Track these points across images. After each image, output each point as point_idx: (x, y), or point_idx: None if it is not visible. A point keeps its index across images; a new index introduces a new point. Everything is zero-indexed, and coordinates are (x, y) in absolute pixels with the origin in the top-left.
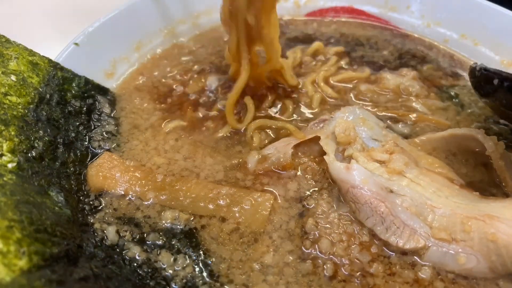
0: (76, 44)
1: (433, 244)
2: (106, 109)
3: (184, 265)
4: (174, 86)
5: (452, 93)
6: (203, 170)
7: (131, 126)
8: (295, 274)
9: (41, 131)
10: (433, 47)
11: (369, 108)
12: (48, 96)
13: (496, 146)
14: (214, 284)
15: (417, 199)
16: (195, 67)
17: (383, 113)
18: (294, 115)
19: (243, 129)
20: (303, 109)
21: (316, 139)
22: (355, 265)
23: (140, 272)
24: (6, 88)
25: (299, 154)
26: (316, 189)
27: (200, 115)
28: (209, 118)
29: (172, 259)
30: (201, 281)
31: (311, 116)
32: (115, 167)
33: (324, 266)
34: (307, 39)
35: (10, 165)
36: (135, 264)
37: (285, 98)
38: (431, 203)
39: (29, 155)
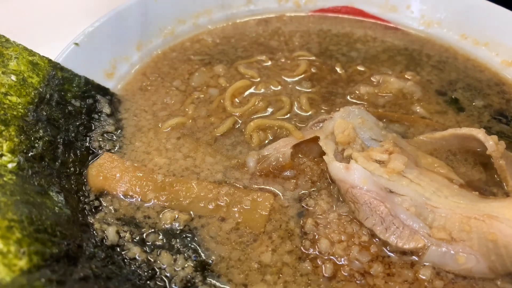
0: (76, 44)
1: (433, 244)
2: (106, 109)
3: (184, 266)
4: (177, 85)
5: (453, 97)
6: (203, 170)
7: (134, 128)
8: (293, 274)
9: (41, 131)
10: (434, 47)
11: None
12: (48, 96)
13: (497, 146)
14: (214, 284)
15: (417, 199)
16: (199, 64)
17: (381, 115)
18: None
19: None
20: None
21: (316, 139)
22: (354, 265)
23: (140, 272)
24: (6, 88)
25: (299, 154)
26: (316, 189)
27: (203, 112)
28: (211, 114)
29: (172, 259)
30: (200, 282)
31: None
32: (116, 167)
33: (323, 266)
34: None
35: (10, 165)
36: (135, 264)
37: None
38: (430, 203)
39: (29, 155)
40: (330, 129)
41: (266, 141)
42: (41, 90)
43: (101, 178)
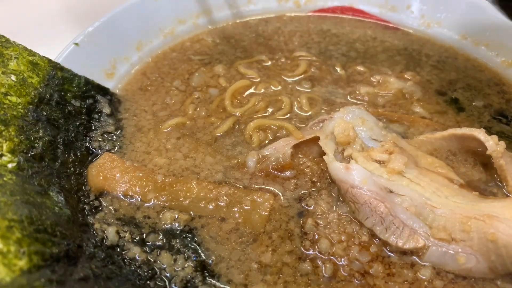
0: (76, 44)
1: (433, 244)
2: (106, 109)
3: (184, 266)
4: (177, 85)
5: (453, 97)
6: (203, 170)
7: (134, 128)
8: (293, 274)
9: (41, 131)
10: (434, 47)
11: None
12: (48, 96)
13: (497, 146)
14: (214, 284)
15: (417, 199)
16: (199, 64)
17: (381, 115)
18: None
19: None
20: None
21: (316, 139)
22: (354, 265)
23: (140, 272)
24: (6, 88)
25: (299, 154)
26: (316, 189)
27: (203, 112)
28: (211, 114)
29: (172, 259)
30: (200, 282)
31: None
32: (116, 167)
33: (323, 266)
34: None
35: (10, 165)
36: (135, 264)
37: None
38: (430, 203)
39: (29, 155)
40: (330, 129)
41: (266, 141)
42: (41, 90)
43: (101, 178)
